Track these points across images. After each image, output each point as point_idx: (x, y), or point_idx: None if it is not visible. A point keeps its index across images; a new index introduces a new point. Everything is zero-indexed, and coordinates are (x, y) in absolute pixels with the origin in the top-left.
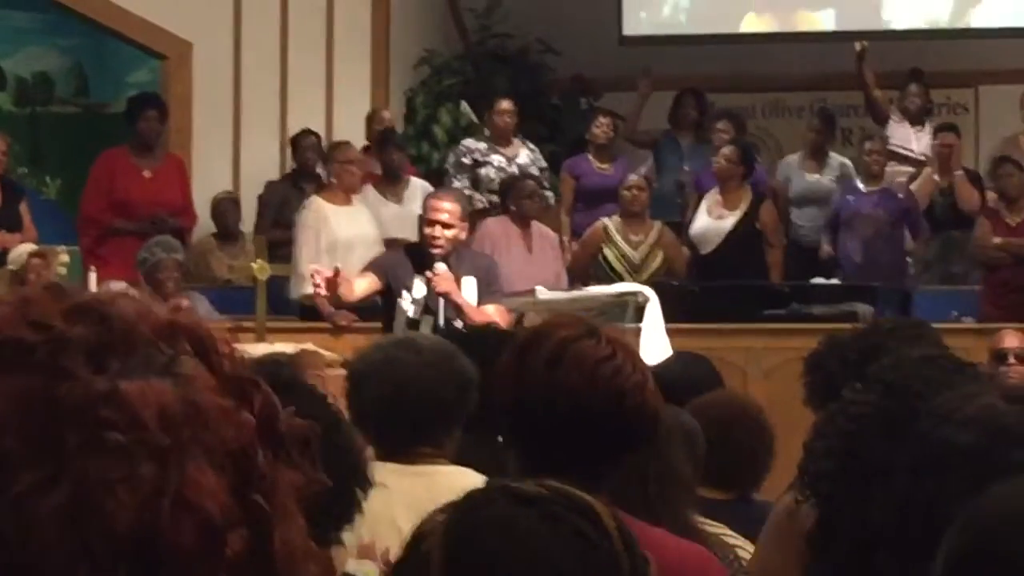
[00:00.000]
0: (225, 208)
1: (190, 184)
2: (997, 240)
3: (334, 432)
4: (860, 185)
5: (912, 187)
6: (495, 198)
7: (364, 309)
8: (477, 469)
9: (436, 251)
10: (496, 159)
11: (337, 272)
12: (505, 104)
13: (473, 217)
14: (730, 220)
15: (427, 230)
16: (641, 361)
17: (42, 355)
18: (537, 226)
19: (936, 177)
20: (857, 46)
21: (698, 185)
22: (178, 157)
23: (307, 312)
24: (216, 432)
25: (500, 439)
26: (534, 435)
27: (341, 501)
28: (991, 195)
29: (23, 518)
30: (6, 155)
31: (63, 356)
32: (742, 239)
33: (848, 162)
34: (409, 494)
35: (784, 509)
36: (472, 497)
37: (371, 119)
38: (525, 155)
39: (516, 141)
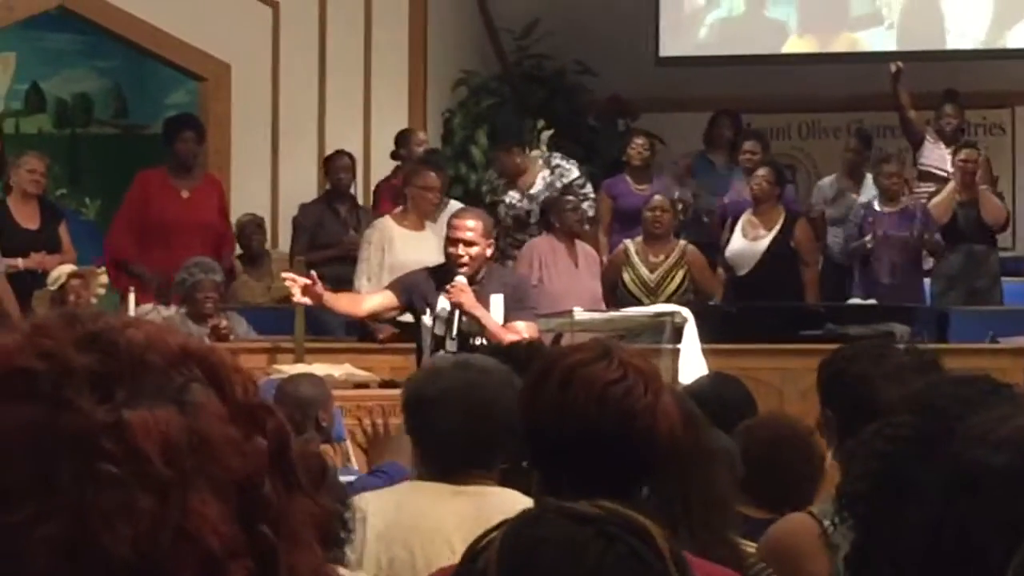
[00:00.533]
0: (250, 231)
1: (228, 206)
2: None
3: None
4: (877, 206)
5: (933, 202)
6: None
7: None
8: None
9: (461, 270)
10: (509, 196)
11: (314, 279)
12: (513, 150)
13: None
14: (765, 241)
15: (450, 249)
16: (658, 384)
17: (46, 385)
18: (581, 244)
19: (957, 195)
20: (892, 67)
21: (722, 211)
22: (216, 178)
23: (352, 328)
24: (222, 462)
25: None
26: (549, 459)
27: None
28: None
29: (19, 549)
30: (45, 176)
31: (67, 386)
32: (777, 259)
33: None
34: (460, 514)
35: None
36: (528, 514)
37: (405, 139)
38: (541, 181)
39: (535, 167)
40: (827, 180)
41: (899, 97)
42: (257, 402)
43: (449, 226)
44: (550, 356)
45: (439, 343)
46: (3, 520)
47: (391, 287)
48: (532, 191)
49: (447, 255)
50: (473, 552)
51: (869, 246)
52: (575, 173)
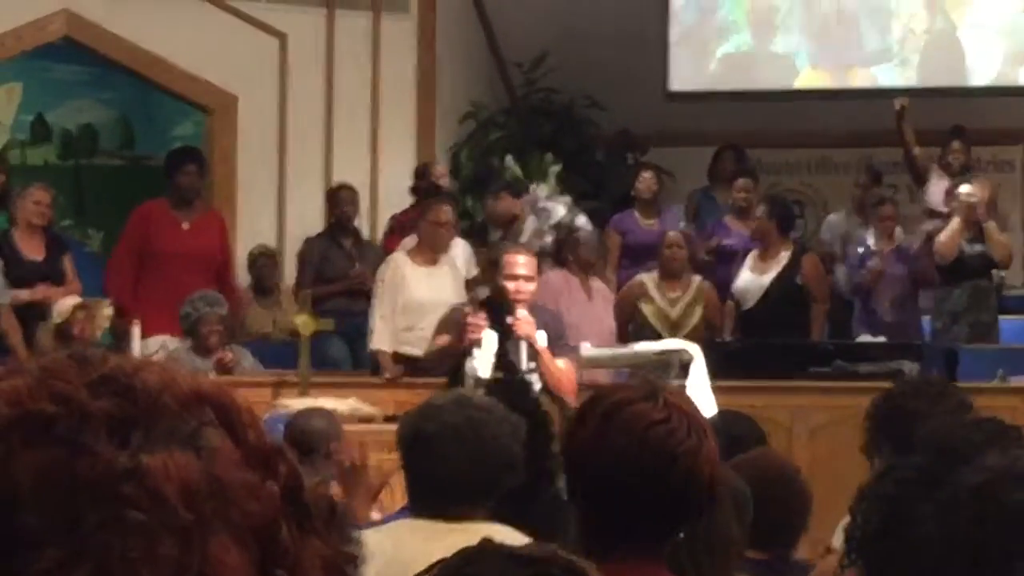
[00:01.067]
0: (262, 263)
1: (229, 238)
2: None
3: None
4: (872, 243)
5: (938, 240)
6: None
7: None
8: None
9: (521, 305)
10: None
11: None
12: (501, 197)
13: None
14: (769, 275)
15: (509, 284)
16: (702, 426)
17: (63, 430)
18: (594, 279)
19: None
20: (896, 104)
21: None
22: (218, 213)
23: (358, 363)
24: (240, 507)
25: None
26: (589, 496)
27: None
28: None
29: None
30: (51, 208)
31: (84, 431)
32: (782, 294)
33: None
34: (452, 550)
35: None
36: (467, 553)
37: (424, 172)
38: (527, 232)
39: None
40: (836, 216)
41: (904, 134)
42: (269, 445)
43: (503, 263)
44: (596, 393)
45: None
46: (32, 567)
47: (446, 329)
48: (521, 239)
49: (501, 290)
50: None
51: (867, 281)
52: (561, 211)
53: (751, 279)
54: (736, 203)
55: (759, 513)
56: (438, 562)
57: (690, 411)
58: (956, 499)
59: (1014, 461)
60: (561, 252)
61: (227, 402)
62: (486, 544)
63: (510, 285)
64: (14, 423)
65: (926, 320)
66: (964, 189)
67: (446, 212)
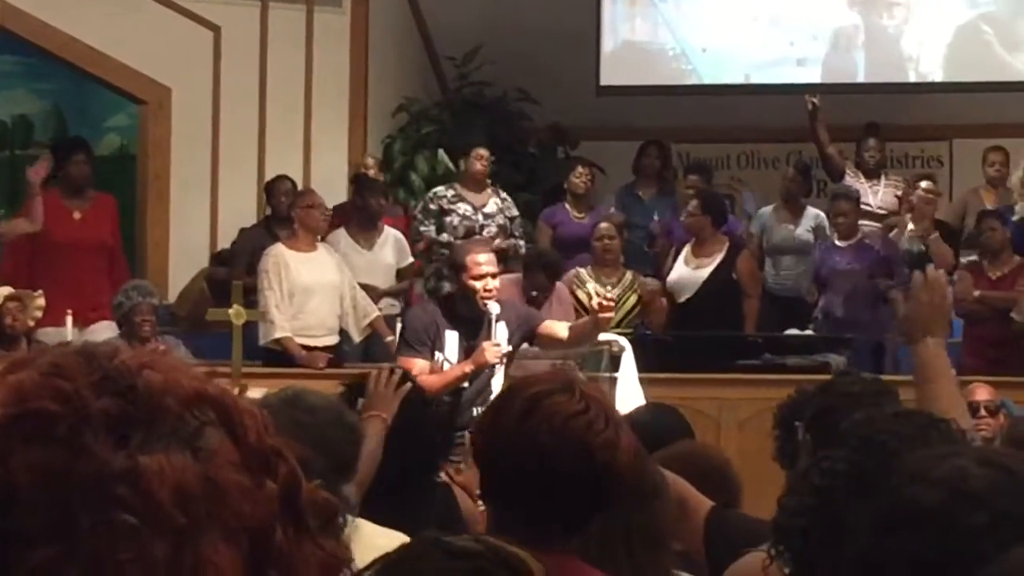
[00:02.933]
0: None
1: (118, 224)
2: (977, 293)
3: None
4: (837, 241)
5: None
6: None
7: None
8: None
9: (491, 302)
10: (462, 207)
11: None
12: (482, 151)
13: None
14: (705, 270)
15: (476, 283)
16: (617, 418)
17: (63, 429)
18: (557, 289)
19: (911, 226)
20: (808, 103)
21: (670, 235)
22: (108, 197)
23: (272, 357)
24: (234, 509)
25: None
26: (506, 489)
27: None
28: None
29: None
30: None
31: (84, 431)
32: (718, 288)
33: (823, 214)
34: None
35: (749, 567)
36: (405, 548)
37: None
38: (493, 204)
39: (488, 190)
40: (765, 210)
41: (817, 133)
42: (269, 445)
43: (466, 262)
44: (512, 385)
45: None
46: (23, 565)
47: (416, 355)
48: (486, 209)
49: (471, 289)
50: None
51: (808, 298)
52: (515, 211)
53: (686, 272)
54: (685, 199)
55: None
56: (380, 558)
57: (606, 403)
58: (882, 496)
59: (940, 460)
60: (524, 268)
61: (229, 403)
62: (426, 540)
63: (478, 284)
64: (15, 420)
65: None
66: (924, 185)
67: (316, 197)
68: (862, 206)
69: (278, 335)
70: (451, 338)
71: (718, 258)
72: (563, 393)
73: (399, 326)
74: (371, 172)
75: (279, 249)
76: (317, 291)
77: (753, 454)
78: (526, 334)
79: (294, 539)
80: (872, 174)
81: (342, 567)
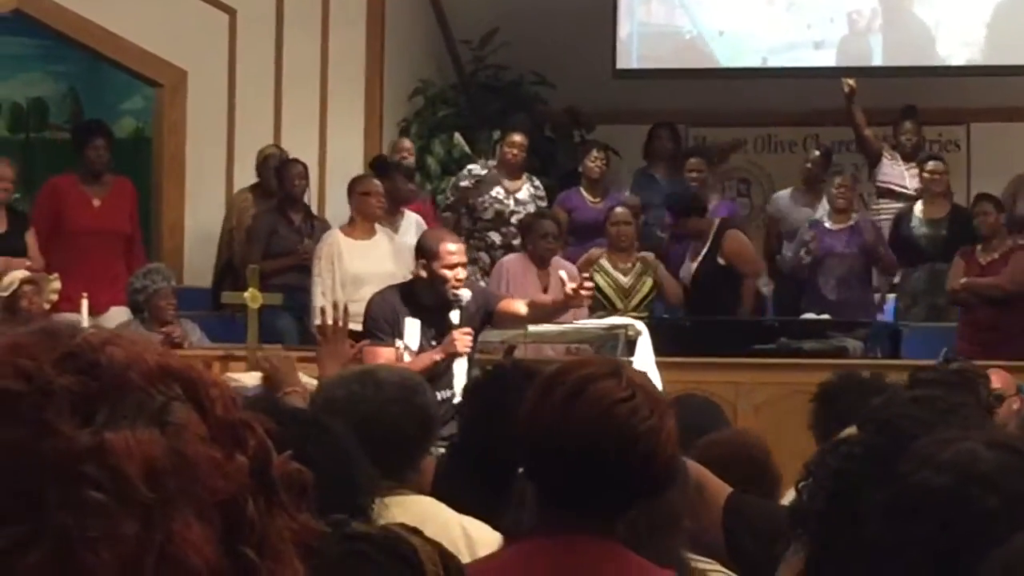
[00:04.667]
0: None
1: (137, 210)
2: (962, 280)
3: (342, 467)
4: (828, 223)
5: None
6: (491, 234)
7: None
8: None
9: (460, 291)
10: (496, 190)
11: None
12: (516, 137)
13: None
14: (697, 260)
15: (447, 273)
16: (663, 407)
17: (27, 407)
18: (558, 262)
19: (920, 207)
20: (845, 86)
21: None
22: (126, 182)
23: (305, 337)
24: (204, 483)
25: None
26: (548, 471)
27: None
28: None
29: (2, 574)
30: (13, 183)
31: (48, 408)
32: (706, 276)
33: None
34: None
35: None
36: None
37: (392, 147)
38: (527, 191)
39: (524, 176)
40: (783, 193)
41: (854, 116)
42: (238, 418)
43: (439, 251)
44: (561, 367)
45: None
46: None
47: (383, 344)
48: (518, 195)
49: (442, 279)
50: None
51: (804, 262)
52: (545, 200)
53: (686, 267)
54: (689, 181)
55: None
56: None
57: (652, 390)
58: (894, 480)
59: (950, 444)
60: (523, 236)
61: (195, 377)
62: (334, 520)
63: (448, 273)
64: None
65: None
66: (930, 166)
67: (374, 183)
68: (899, 189)
69: (319, 322)
70: (411, 325)
71: (708, 244)
72: (611, 378)
73: None
74: (407, 156)
75: (335, 236)
76: (368, 281)
77: (769, 438)
78: (485, 316)
79: (266, 512)
80: (909, 157)
81: (315, 539)
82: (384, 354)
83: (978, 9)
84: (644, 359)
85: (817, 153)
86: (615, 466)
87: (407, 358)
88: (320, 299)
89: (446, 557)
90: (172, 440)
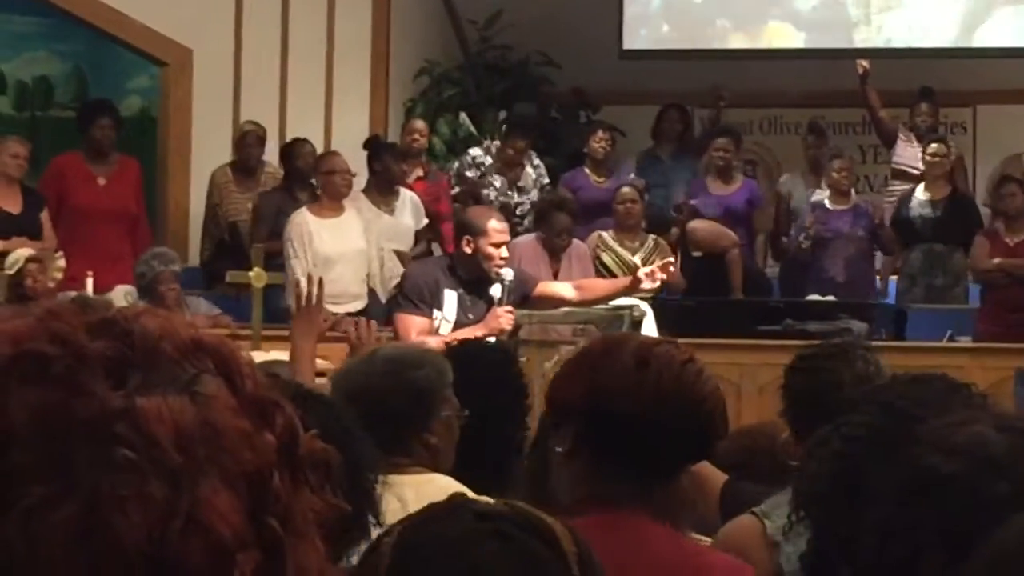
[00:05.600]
0: (250, 142)
1: (142, 189)
2: (996, 260)
3: (341, 443)
4: (828, 204)
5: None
6: None
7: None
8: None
9: (503, 269)
10: (498, 180)
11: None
12: (520, 143)
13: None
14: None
15: (493, 251)
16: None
17: (60, 369)
18: (575, 247)
19: (921, 189)
20: (859, 68)
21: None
22: (132, 161)
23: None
24: (232, 453)
25: (557, 448)
26: (607, 437)
27: (349, 522)
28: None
29: (32, 532)
30: (27, 160)
31: (81, 371)
32: (695, 276)
33: None
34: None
35: (744, 527)
36: (430, 509)
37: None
38: (527, 176)
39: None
40: (792, 175)
41: (868, 97)
42: (267, 396)
43: (489, 229)
44: (605, 340)
45: None
46: (21, 503)
47: (419, 313)
48: (520, 183)
49: (488, 255)
50: (375, 544)
51: (804, 246)
52: (546, 179)
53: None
54: (715, 162)
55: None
56: (405, 518)
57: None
58: (902, 463)
59: (960, 426)
60: (538, 222)
61: (226, 352)
62: (454, 501)
63: (494, 252)
64: (12, 361)
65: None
66: (932, 148)
67: (339, 161)
68: (913, 170)
69: (291, 301)
70: (450, 297)
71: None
72: (668, 344)
73: None
74: (419, 139)
75: (303, 216)
76: (340, 259)
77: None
78: (519, 299)
79: (291, 489)
80: (924, 138)
81: (338, 517)
82: (418, 323)
83: None
84: None
85: (811, 135)
86: (684, 429)
87: (445, 329)
88: (303, 279)
89: (575, 532)
90: (202, 409)
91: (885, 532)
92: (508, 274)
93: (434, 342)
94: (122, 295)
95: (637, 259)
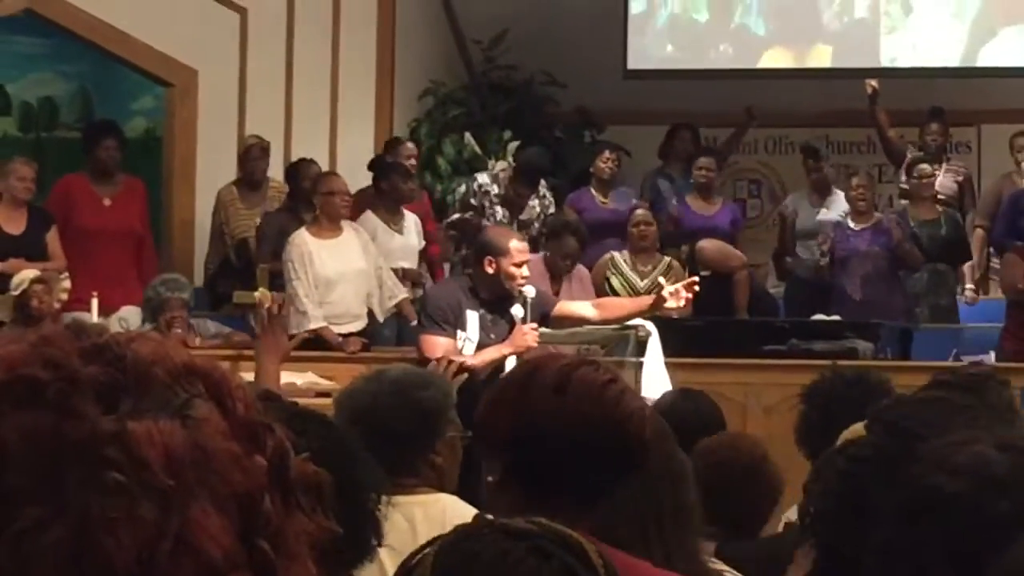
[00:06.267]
0: (255, 155)
1: (147, 209)
2: None
3: (348, 467)
4: (851, 224)
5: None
6: None
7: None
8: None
9: (525, 287)
10: (501, 212)
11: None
12: (523, 191)
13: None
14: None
15: (516, 270)
16: (637, 391)
17: (52, 393)
18: (577, 269)
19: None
20: (868, 88)
21: (678, 222)
22: (137, 181)
23: (307, 343)
24: (223, 476)
25: (489, 478)
26: (534, 464)
27: (351, 543)
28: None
29: (24, 554)
30: (34, 182)
31: (73, 395)
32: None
33: None
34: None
35: None
36: (462, 530)
37: (393, 149)
38: (532, 208)
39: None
40: (796, 195)
41: (877, 117)
42: (258, 420)
43: (514, 252)
44: (530, 362)
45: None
46: (13, 525)
47: (444, 333)
48: (521, 216)
49: (510, 275)
50: (407, 567)
51: (822, 263)
52: (552, 208)
53: None
54: (698, 180)
55: (725, 498)
56: (436, 538)
57: (621, 376)
58: (906, 483)
59: (963, 446)
60: (548, 241)
61: (217, 376)
62: (482, 521)
63: (515, 271)
64: (6, 386)
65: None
66: (919, 169)
67: (339, 182)
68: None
69: (313, 326)
70: (472, 318)
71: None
72: (589, 366)
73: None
74: (411, 159)
75: (303, 237)
76: (340, 280)
77: (779, 439)
78: (538, 318)
79: (283, 511)
80: (934, 159)
81: (331, 542)
82: (443, 344)
83: (988, 10)
84: (654, 360)
85: (807, 157)
86: (606, 451)
87: (469, 350)
88: (306, 302)
89: (599, 545)
90: (193, 433)
91: (890, 552)
92: (530, 292)
93: (469, 363)
94: (127, 316)
95: (644, 284)
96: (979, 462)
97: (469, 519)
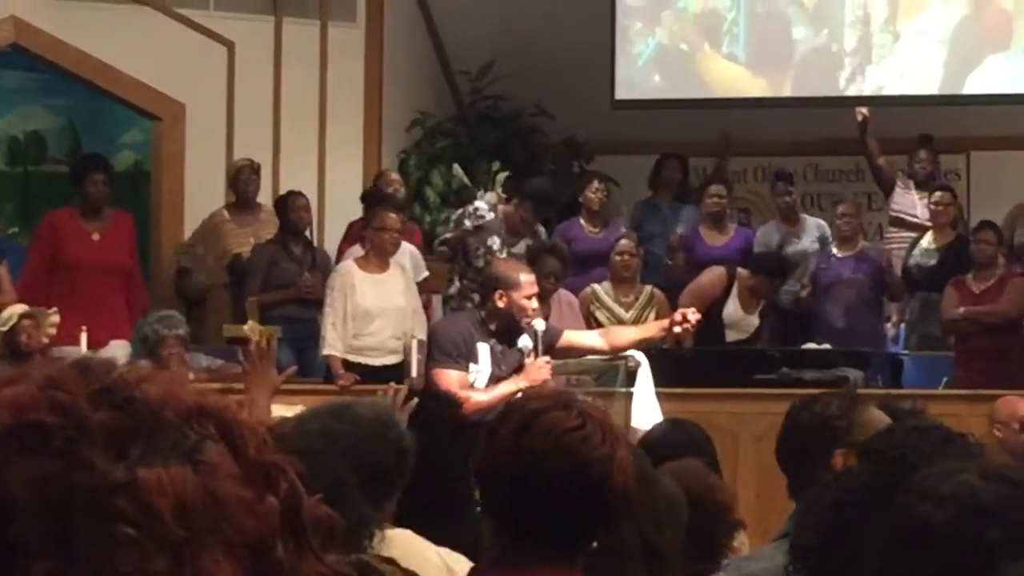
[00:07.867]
0: (245, 177)
1: (136, 243)
2: (960, 310)
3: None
4: (835, 251)
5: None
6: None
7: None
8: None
9: (535, 321)
10: (493, 239)
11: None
12: (529, 213)
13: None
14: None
15: (527, 303)
16: (615, 435)
17: (61, 441)
18: (561, 294)
19: (928, 238)
20: (858, 115)
21: (691, 250)
22: (126, 215)
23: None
24: (234, 522)
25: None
26: (503, 505)
27: None
28: None
29: None
30: None
31: (82, 443)
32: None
33: (824, 224)
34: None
35: None
36: None
37: (381, 180)
38: (524, 245)
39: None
40: (768, 227)
41: (867, 145)
42: (270, 460)
43: (523, 281)
44: (512, 404)
45: None
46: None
47: (456, 367)
48: (515, 250)
49: (521, 308)
50: None
51: (802, 295)
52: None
53: (737, 315)
54: (710, 209)
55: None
56: None
57: (604, 420)
58: (894, 513)
59: (949, 476)
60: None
61: (229, 417)
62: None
63: (527, 304)
64: (12, 432)
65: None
66: (936, 196)
67: (392, 219)
68: (910, 218)
69: (325, 352)
70: (483, 350)
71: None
72: (560, 409)
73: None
74: (397, 189)
75: (349, 267)
76: (379, 314)
77: (770, 468)
78: (545, 349)
79: (295, 554)
80: (923, 186)
81: None
82: (456, 378)
83: (974, 38)
84: (644, 390)
85: (779, 183)
86: (569, 497)
87: (481, 382)
88: (330, 330)
89: None
90: (204, 478)
91: None
92: (540, 325)
93: (483, 397)
94: (116, 351)
95: (629, 316)
96: (964, 491)
97: (424, 551)
